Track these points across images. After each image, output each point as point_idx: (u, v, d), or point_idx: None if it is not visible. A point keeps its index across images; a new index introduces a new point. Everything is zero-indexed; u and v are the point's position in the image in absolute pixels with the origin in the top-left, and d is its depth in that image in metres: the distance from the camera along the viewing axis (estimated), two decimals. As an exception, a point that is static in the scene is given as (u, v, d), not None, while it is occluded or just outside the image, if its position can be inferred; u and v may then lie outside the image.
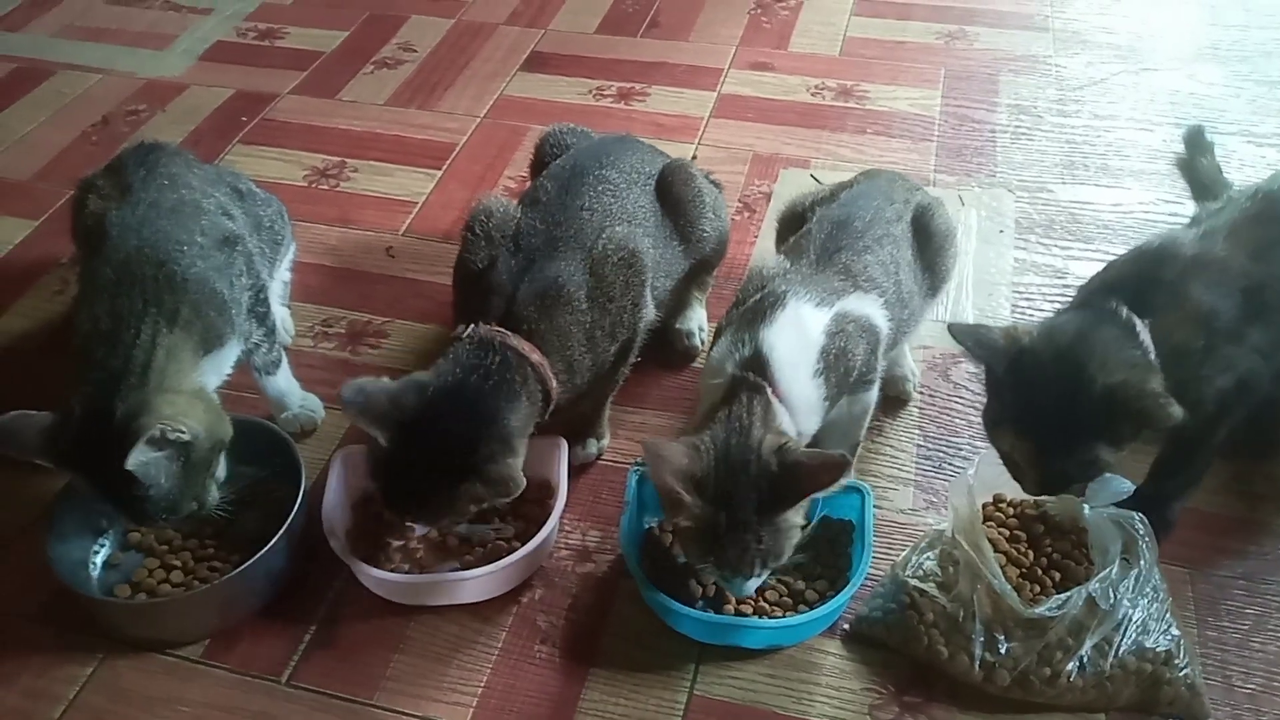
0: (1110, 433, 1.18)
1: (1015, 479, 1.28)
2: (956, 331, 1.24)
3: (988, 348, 1.22)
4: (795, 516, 1.19)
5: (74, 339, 1.29)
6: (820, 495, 1.19)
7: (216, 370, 1.35)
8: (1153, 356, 1.19)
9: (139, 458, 1.17)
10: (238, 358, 1.41)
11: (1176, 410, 1.12)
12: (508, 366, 1.29)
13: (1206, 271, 1.24)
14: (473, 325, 1.33)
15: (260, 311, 1.47)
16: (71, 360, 1.28)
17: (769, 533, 1.17)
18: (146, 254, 1.32)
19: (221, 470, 1.31)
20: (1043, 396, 1.19)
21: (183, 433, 1.21)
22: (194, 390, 1.28)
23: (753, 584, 1.22)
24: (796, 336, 1.26)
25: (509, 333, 1.32)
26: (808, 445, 1.31)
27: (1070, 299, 1.71)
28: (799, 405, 1.25)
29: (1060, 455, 1.21)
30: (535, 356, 1.31)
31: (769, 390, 1.22)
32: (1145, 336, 1.19)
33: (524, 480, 1.25)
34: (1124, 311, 1.21)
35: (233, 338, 1.37)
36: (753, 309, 1.30)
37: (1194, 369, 1.22)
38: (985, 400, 1.29)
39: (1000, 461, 1.29)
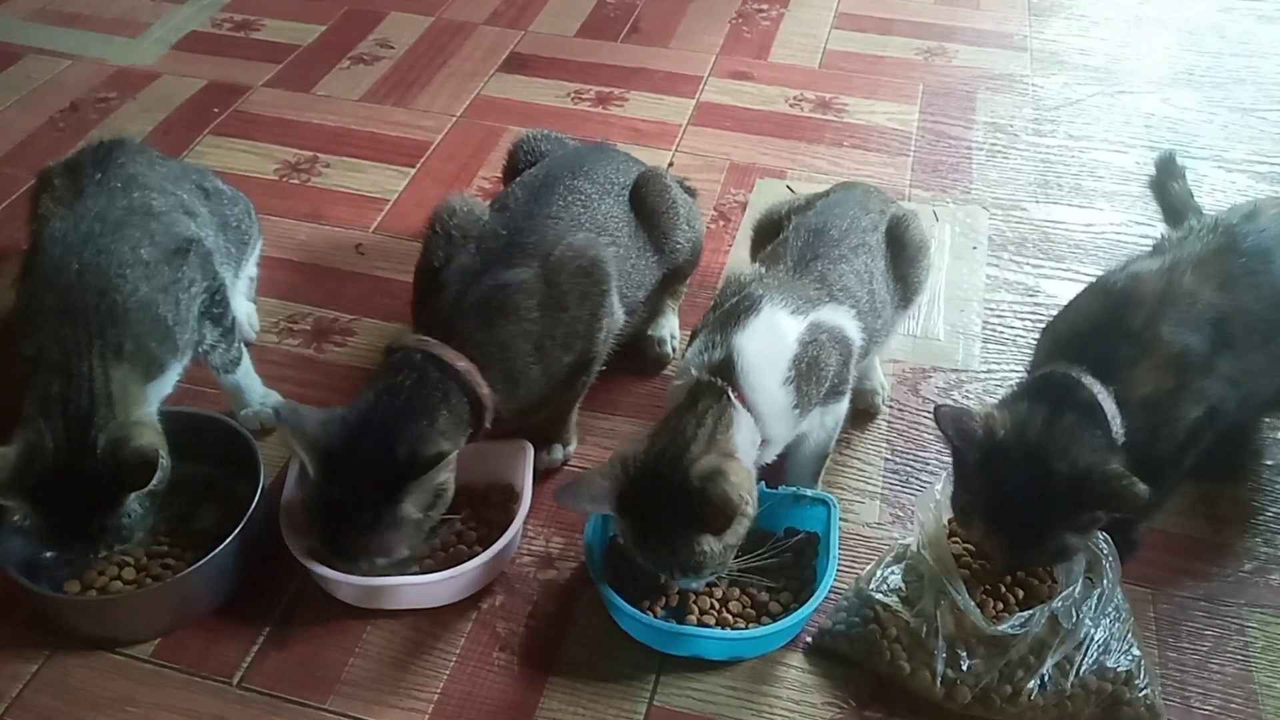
0: (1077, 520, 1.20)
1: (982, 558, 1.30)
2: (941, 417, 1.23)
3: (967, 439, 1.22)
4: (713, 544, 1.17)
5: (21, 359, 1.26)
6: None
7: (158, 396, 1.33)
8: (1117, 428, 1.20)
9: (148, 482, 1.18)
10: (180, 375, 1.38)
11: (1142, 489, 1.13)
12: (424, 381, 1.28)
13: (1174, 308, 1.25)
14: (402, 340, 1.33)
15: (216, 313, 1.43)
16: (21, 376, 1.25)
17: (681, 547, 1.16)
18: (88, 280, 1.27)
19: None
20: (1012, 491, 1.19)
21: (164, 460, 1.22)
22: (151, 421, 1.27)
23: (694, 582, 1.22)
24: (769, 342, 1.26)
25: (434, 341, 1.31)
26: (781, 454, 1.31)
27: (1040, 317, 1.76)
28: (766, 412, 1.24)
29: (1031, 547, 1.22)
30: (461, 364, 1.29)
31: (731, 394, 1.21)
32: (1110, 408, 1.20)
33: (448, 487, 1.24)
34: (1086, 385, 1.21)
35: (173, 362, 1.34)
36: (727, 312, 1.29)
37: (1169, 410, 1.24)
38: (954, 487, 1.28)
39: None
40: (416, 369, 1.29)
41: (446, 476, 1.26)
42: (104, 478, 1.18)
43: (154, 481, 1.20)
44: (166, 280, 1.34)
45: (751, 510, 1.20)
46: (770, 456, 1.30)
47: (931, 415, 1.57)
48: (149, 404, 1.29)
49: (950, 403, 1.30)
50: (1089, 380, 1.21)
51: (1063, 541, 1.21)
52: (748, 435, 1.22)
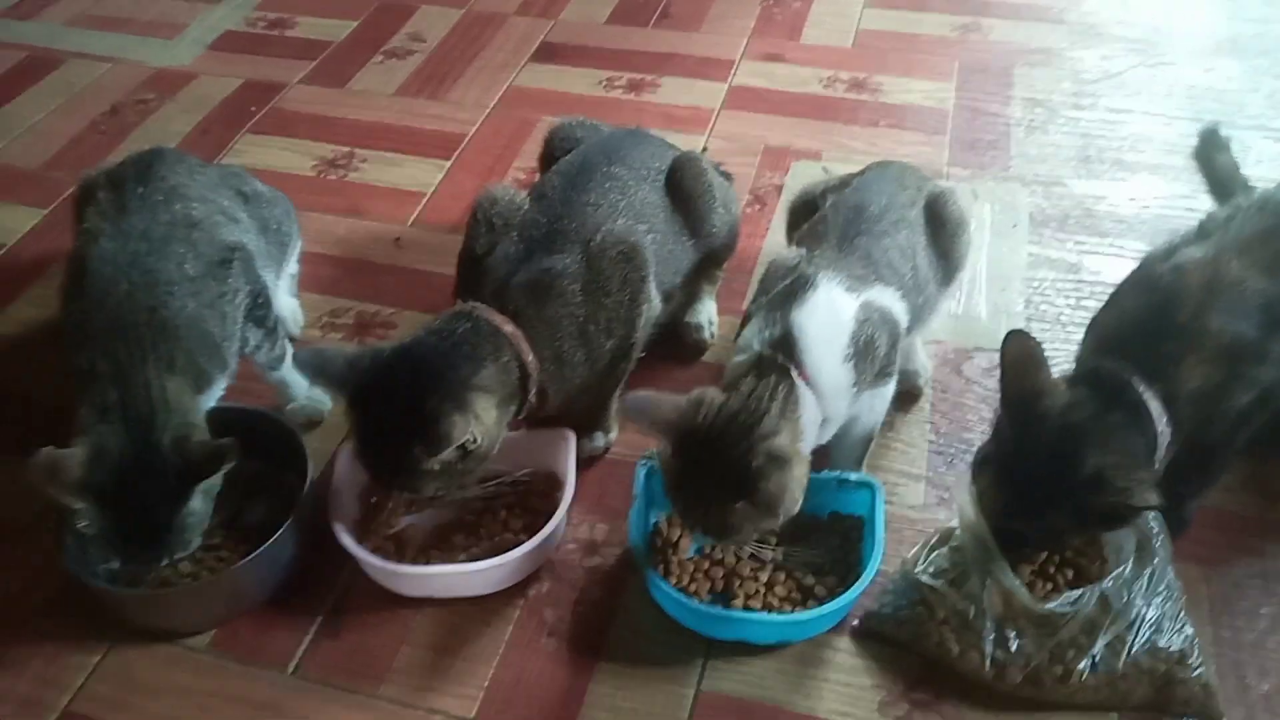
0: (1081, 514, 1.17)
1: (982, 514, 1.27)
2: (1008, 346, 1.20)
3: (1018, 386, 1.19)
4: (747, 517, 1.16)
5: (74, 371, 1.28)
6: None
7: (206, 407, 1.35)
8: (1163, 427, 1.18)
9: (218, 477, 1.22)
10: (229, 382, 1.41)
11: (1154, 498, 1.12)
12: (476, 332, 1.29)
13: (1222, 298, 1.22)
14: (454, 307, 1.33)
15: (259, 315, 1.46)
16: (75, 392, 1.27)
17: (717, 511, 1.16)
18: (137, 299, 1.30)
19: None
20: (1034, 460, 1.17)
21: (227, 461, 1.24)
22: (203, 427, 1.30)
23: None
24: (829, 317, 1.25)
25: (483, 306, 1.31)
26: (835, 434, 1.30)
27: (1083, 294, 1.73)
28: (828, 389, 1.23)
29: (1023, 517, 1.20)
30: (509, 328, 1.30)
31: (795, 374, 1.21)
32: (1154, 406, 1.18)
33: (472, 436, 1.22)
34: (1135, 387, 1.18)
35: (220, 377, 1.37)
36: (783, 292, 1.28)
37: (1219, 401, 1.21)
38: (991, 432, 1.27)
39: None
40: (471, 320, 1.30)
41: (474, 439, 1.23)
42: (172, 473, 1.21)
43: (221, 473, 1.23)
44: (213, 295, 1.37)
45: (795, 510, 1.19)
46: (826, 437, 1.29)
47: (975, 395, 1.58)
48: (199, 413, 1.32)
49: (994, 378, 1.28)
50: (1136, 380, 1.19)
51: (1057, 528, 1.19)
52: (812, 414, 1.22)
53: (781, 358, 1.21)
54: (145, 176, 1.44)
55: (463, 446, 1.23)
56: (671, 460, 1.19)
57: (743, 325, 1.34)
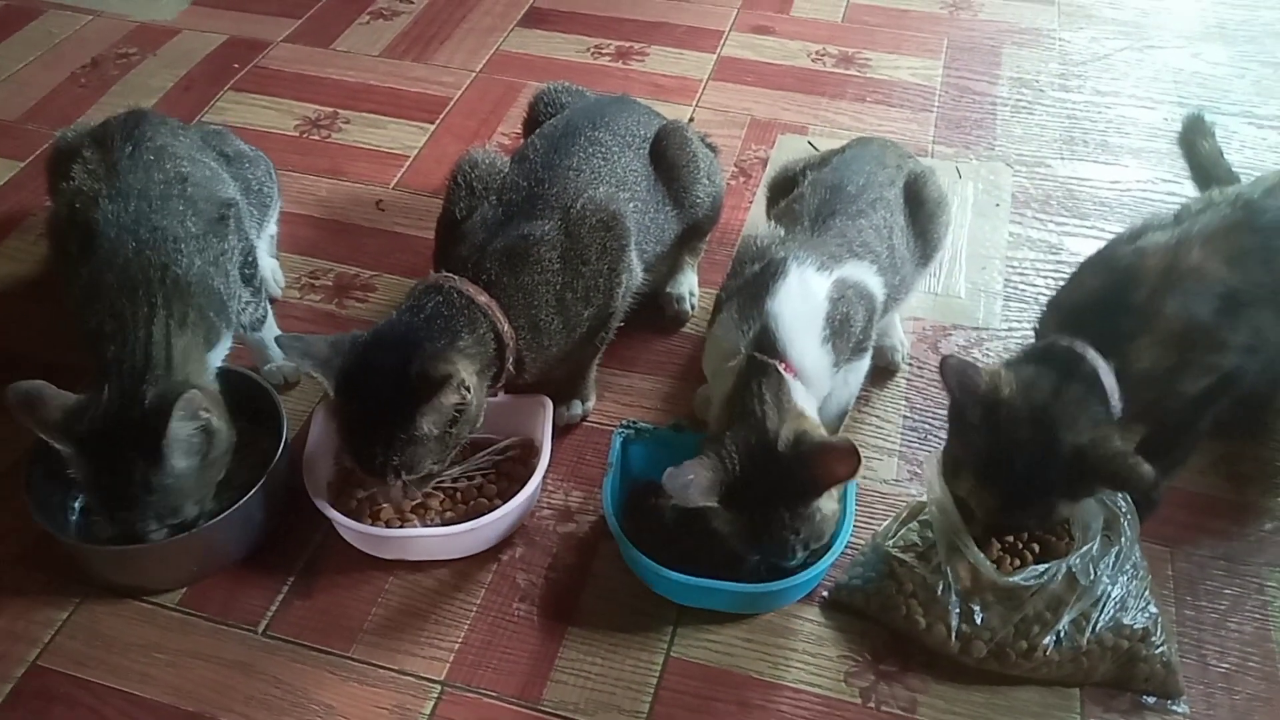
0: (1072, 489, 1.20)
1: (964, 518, 1.26)
2: (946, 369, 1.22)
3: (968, 392, 1.21)
4: (827, 503, 1.19)
5: (83, 333, 1.28)
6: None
7: (213, 365, 1.35)
8: (1115, 402, 1.19)
9: (178, 427, 1.19)
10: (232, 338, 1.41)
11: (1147, 471, 1.13)
12: (449, 305, 1.28)
13: (1180, 283, 1.23)
14: (427, 278, 1.33)
15: (248, 274, 1.46)
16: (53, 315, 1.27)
17: (804, 523, 1.18)
18: (148, 256, 1.30)
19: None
20: (1012, 451, 1.19)
21: (211, 415, 1.23)
22: (214, 392, 1.29)
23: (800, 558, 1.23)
24: (802, 303, 1.26)
25: (456, 277, 1.31)
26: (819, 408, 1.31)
27: (1062, 275, 1.73)
28: (812, 374, 1.25)
29: (1019, 509, 1.22)
30: (482, 299, 1.30)
31: (779, 367, 1.22)
32: (1110, 383, 1.20)
33: (462, 391, 1.22)
34: (1089, 359, 1.20)
35: (227, 331, 1.37)
36: (754, 281, 1.28)
37: (1168, 385, 1.23)
38: (948, 439, 1.28)
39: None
40: (443, 294, 1.30)
41: (464, 395, 1.24)
42: (147, 428, 1.19)
43: (188, 428, 1.21)
44: (216, 252, 1.37)
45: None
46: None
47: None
48: (209, 371, 1.31)
49: (967, 359, 1.29)
50: (1092, 355, 1.20)
51: (1054, 507, 1.21)
52: (804, 399, 1.23)
53: (764, 356, 1.22)
54: (131, 136, 1.43)
55: (462, 404, 1.23)
56: (730, 519, 1.20)
57: (715, 310, 1.34)
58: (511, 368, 1.35)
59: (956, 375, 1.22)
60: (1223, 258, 1.25)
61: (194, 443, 1.23)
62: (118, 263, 1.29)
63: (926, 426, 1.53)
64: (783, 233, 1.35)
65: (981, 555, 1.21)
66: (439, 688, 1.23)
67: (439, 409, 1.21)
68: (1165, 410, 1.20)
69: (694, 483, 1.16)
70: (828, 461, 1.15)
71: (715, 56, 2.33)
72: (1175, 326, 1.22)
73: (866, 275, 1.33)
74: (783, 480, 1.16)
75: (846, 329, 1.28)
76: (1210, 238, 1.27)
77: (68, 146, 1.48)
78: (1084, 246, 1.80)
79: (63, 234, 1.37)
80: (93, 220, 1.33)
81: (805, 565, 1.23)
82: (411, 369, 1.21)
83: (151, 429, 1.20)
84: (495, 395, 1.38)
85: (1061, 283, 1.60)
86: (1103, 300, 1.26)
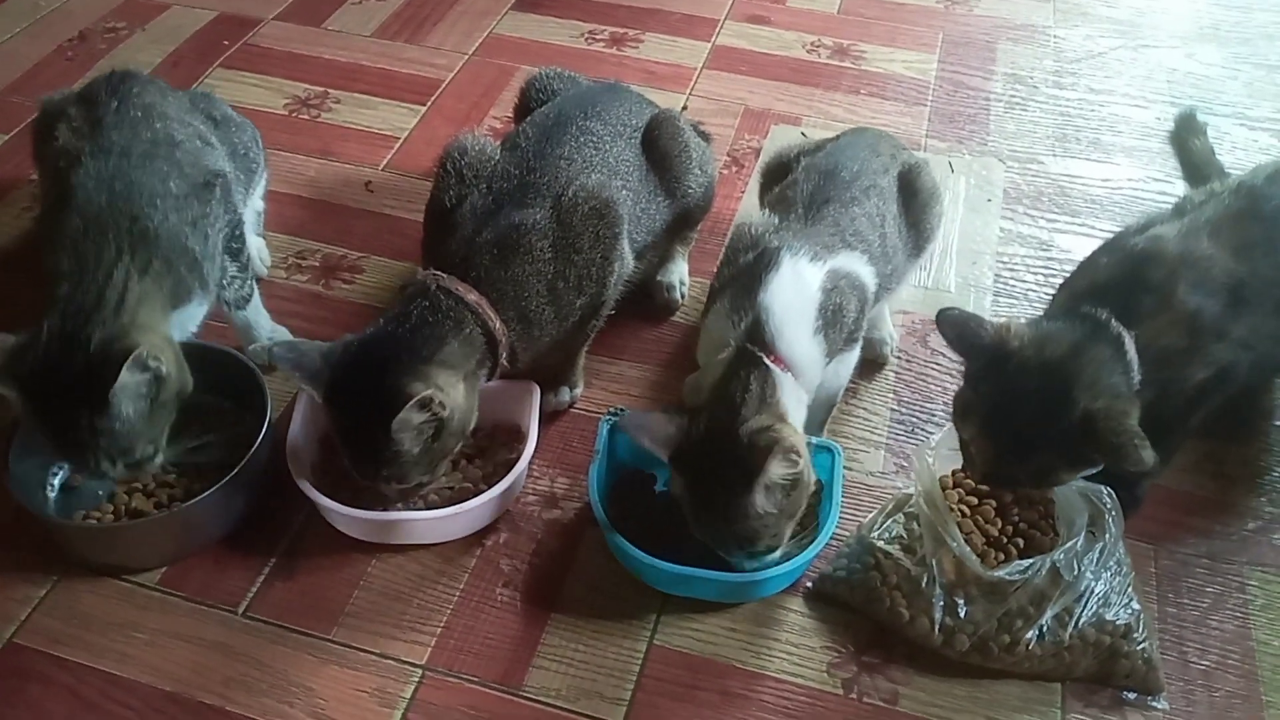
0: (1074, 455, 1.18)
1: (965, 464, 1.28)
2: (944, 320, 1.20)
3: (967, 344, 1.20)
4: (762, 501, 1.16)
5: (45, 281, 1.26)
6: (765, 478, 1.15)
7: (181, 326, 1.33)
8: (1136, 378, 1.17)
9: (127, 378, 1.16)
10: (206, 312, 1.39)
11: (1149, 455, 1.11)
12: (436, 309, 1.27)
13: (1192, 271, 1.23)
14: (415, 276, 1.31)
15: (235, 247, 1.44)
16: (41, 292, 1.25)
17: (740, 516, 1.16)
18: (120, 207, 1.28)
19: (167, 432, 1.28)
20: (1019, 402, 1.17)
21: (160, 364, 1.20)
22: (165, 334, 1.27)
23: (751, 564, 1.22)
24: (795, 295, 1.25)
25: (445, 275, 1.30)
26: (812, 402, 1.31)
27: (1052, 272, 1.74)
28: (803, 366, 1.24)
29: (1016, 461, 1.20)
30: (472, 297, 1.29)
31: (767, 360, 1.21)
32: (1132, 353, 1.18)
33: (438, 403, 1.20)
34: (1114, 326, 1.19)
35: (200, 294, 1.35)
36: (747, 272, 1.28)
37: (1179, 368, 1.22)
38: (963, 383, 1.27)
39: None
40: (429, 297, 1.28)
41: (436, 412, 1.22)
42: (93, 375, 1.16)
43: (135, 379, 1.18)
44: (195, 214, 1.35)
45: (808, 473, 1.19)
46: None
47: (939, 367, 1.59)
48: (165, 326, 1.28)
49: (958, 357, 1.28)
50: (1116, 324, 1.19)
51: (1051, 468, 1.19)
52: (792, 394, 1.22)
53: (753, 347, 1.22)
54: (117, 92, 1.42)
55: (436, 420, 1.21)
56: (676, 481, 1.21)
57: (709, 300, 1.33)
58: (505, 361, 1.34)
59: (955, 327, 1.20)
60: (1230, 249, 1.25)
61: (142, 391, 1.21)
62: (90, 211, 1.27)
63: (914, 420, 1.52)
64: (776, 221, 1.34)
65: (967, 549, 1.21)
66: (420, 672, 1.22)
67: (408, 425, 1.20)
68: (1165, 399, 1.18)
69: (651, 429, 1.18)
70: (761, 454, 1.13)
71: (710, 45, 2.32)
72: (1186, 310, 1.21)
73: (859, 265, 1.32)
74: (728, 464, 1.15)
75: (839, 320, 1.28)
76: (1217, 228, 1.27)
77: (54, 108, 1.45)
78: (1074, 243, 1.81)
79: (46, 193, 1.35)
80: (72, 173, 1.31)
81: (776, 561, 1.22)
82: (387, 384, 1.20)
83: (98, 375, 1.16)
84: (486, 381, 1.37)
85: (1051, 279, 1.60)
86: (1122, 279, 1.24)
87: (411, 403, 1.17)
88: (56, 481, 1.37)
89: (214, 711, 1.19)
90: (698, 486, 1.19)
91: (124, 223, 1.27)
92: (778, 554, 1.23)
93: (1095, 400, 1.14)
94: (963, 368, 1.26)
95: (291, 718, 1.18)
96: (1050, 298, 1.39)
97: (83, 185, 1.30)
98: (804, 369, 1.24)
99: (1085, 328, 1.19)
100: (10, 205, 1.82)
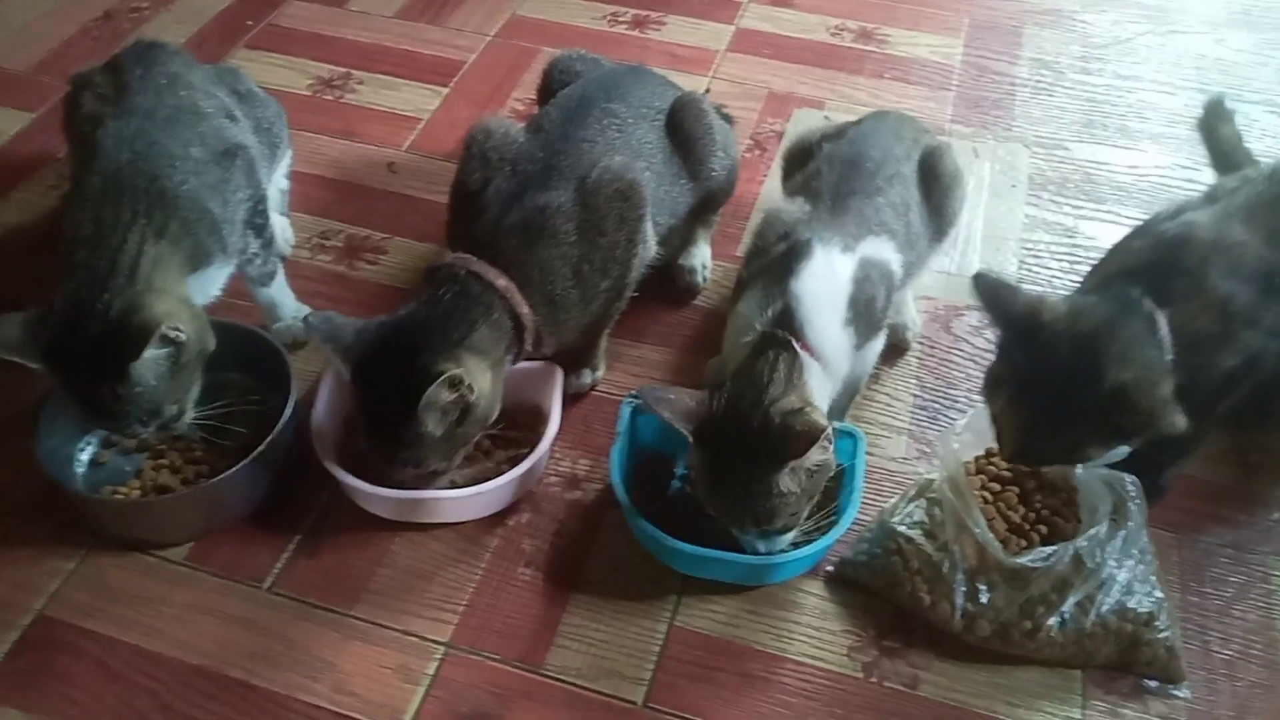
0: (1105, 428, 1.16)
1: (996, 440, 1.27)
2: (979, 282, 1.19)
3: (999, 309, 1.19)
4: (788, 481, 1.16)
5: (60, 245, 1.26)
6: (799, 462, 1.15)
7: (202, 290, 1.33)
8: (1169, 356, 1.16)
9: (148, 354, 1.17)
10: (229, 276, 1.40)
11: (1181, 420, 1.10)
12: (466, 294, 1.27)
13: (1225, 257, 1.21)
14: (443, 258, 1.32)
15: (258, 223, 1.44)
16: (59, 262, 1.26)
17: (761, 493, 1.16)
18: (139, 167, 1.28)
19: (196, 390, 1.29)
20: (1050, 375, 1.16)
21: (180, 331, 1.21)
22: (182, 296, 1.27)
23: (764, 544, 1.22)
24: (826, 286, 1.25)
25: (474, 259, 1.30)
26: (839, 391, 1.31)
27: (1077, 259, 1.73)
28: (831, 356, 1.24)
29: (1046, 435, 1.19)
30: (501, 282, 1.29)
31: (796, 345, 1.21)
32: (1165, 331, 1.17)
33: (467, 385, 1.21)
34: (1147, 304, 1.18)
35: (221, 258, 1.35)
36: (778, 261, 1.27)
37: (1209, 354, 1.21)
38: (994, 357, 1.26)
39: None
40: (459, 283, 1.29)
41: (464, 393, 1.22)
42: (112, 344, 1.17)
43: (155, 352, 1.19)
44: (215, 179, 1.35)
45: (832, 458, 1.19)
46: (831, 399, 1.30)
47: (962, 353, 1.58)
48: (187, 290, 1.28)
49: (983, 338, 1.27)
50: (1149, 303, 1.18)
51: (1081, 443, 1.18)
52: (819, 381, 1.22)
53: (782, 332, 1.21)
54: (143, 60, 1.43)
55: (462, 402, 1.22)
56: (696, 456, 1.20)
57: (737, 288, 1.33)
58: (530, 346, 1.34)
59: (989, 291, 1.19)
60: (1264, 235, 1.24)
61: (161, 359, 1.21)
62: (109, 169, 1.28)
63: (936, 405, 1.52)
64: (808, 209, 1.34)
65: (990, 535, 1.20)
66: (443, 649, 1.23)
67: (435, 404, 1.20)
68: (1194, 386, 1.17)
69: (672, 403, 1.17)
70: (796, 438, 1.13)
71: (733, 28, 2.30)
72: (1219, 295, 1.19)
73: (887, 252, 1.32)
74: (754, 439, 1.15)
75: (870, 310, 1.27)
76: (1251, 214, 1.26)
77: (81, 81, 1.46)
78: (1099, 230, 1.80)
79: (75, 167, 1.36)
80: (97, 137, 1.32)
81: (796, 544, 1.23)
82: (416, 365, 1.21)
83: (117, 345, 1.16)
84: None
85: (1076, 266, 1.59)
86: (1154, 263, 1.23)
87: (441, 380, 1.18)
88: (85, 457, 1.39)
89: (239, 685, 1.20)
90: (719, 461, 1.18)
91: (142, 182, 1.27)
92: (791, 535, 1.22)
93: (1126, 371, 1.13)
94: (996, 338, 1.24)
95: (315, 692, 1.19)
96: (1075, 285, 1.38)
97: (104, 144, 1.31)
98: (832, 359, 1.24)
99: (1118, 304, 1.18)
100: (37, 183, 1.84)
